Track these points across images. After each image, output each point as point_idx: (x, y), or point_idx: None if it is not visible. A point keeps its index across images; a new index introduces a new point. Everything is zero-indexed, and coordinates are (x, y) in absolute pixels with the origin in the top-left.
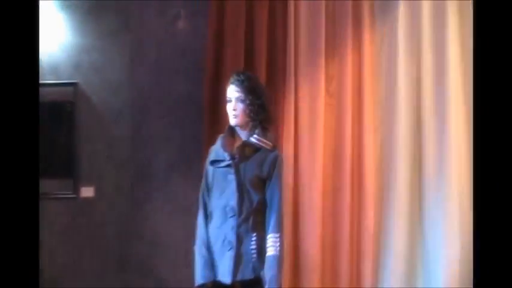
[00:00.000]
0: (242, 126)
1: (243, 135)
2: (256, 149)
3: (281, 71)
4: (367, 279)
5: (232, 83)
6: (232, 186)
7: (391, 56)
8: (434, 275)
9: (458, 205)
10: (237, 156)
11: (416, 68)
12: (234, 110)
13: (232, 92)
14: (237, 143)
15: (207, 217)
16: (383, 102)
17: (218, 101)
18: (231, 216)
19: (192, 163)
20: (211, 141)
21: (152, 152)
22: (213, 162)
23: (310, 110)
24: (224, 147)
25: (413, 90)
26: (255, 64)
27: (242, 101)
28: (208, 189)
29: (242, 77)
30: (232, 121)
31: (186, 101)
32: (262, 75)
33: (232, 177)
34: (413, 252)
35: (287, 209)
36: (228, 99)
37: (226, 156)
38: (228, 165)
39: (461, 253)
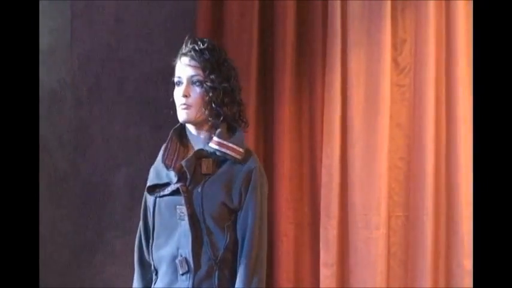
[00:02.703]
0: (198, 124)
1: (197, 140)
2: (219, 161)
3: (317, 29)
4: None
5: (184, 55)
6: (184, 225)
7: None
8: None
9: None
10: (188, 175)
11: None
12: (186, 96)
13: (184, 68)
14: (189, 153)
15: (146, 276)
16: None
17: None
18: (184, 273)
19: None
20: None
21: (107, 163)
22: (153, 189)
23: (367, 96)
24: (167, 162)
25: None
26: (276, 16)
27: (199, 83)
28: (147, 232)
29: (202, 46)
30: (182, 115)
31: (166, 79)
32: (289, 34)
33: (182, 210)
34: None
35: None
36: (176, 80)
37: (172, 176)
38: (174, 192)
39: None
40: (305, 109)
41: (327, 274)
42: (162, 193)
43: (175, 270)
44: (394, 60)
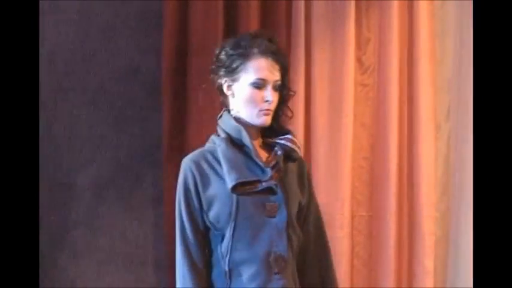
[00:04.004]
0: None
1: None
2: (286, 156)
3: (281, 28)
4: None
5: (264, 54)
6: (275, 222)
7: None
8: None
9: None
10: (281, 172)
11: None
12: (267, 101)
13: (269, 70)
14: (264, 150)
15: (201, 282)
16: (450, 81)
17: (183, 79)
18: (277, 273)
19: (141, 181)
20: (176, 143)
21: (73, 162)
22: (239, 187)
23: (331, 95)
24: (258, 155)
25: None
26: (241, 20)
27: (280, 88)
28: (198, 237)
29: (275, 45)
30: (262, 120)
31: (131, 78)
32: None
33: (273, 207)
34: None
35: None
36: (256, 81)
37: (268, 172)
38: (267, 188)
39: None
40: None
41: None
42: (252, 190)
43: (268, 269)
44: (358, 60)
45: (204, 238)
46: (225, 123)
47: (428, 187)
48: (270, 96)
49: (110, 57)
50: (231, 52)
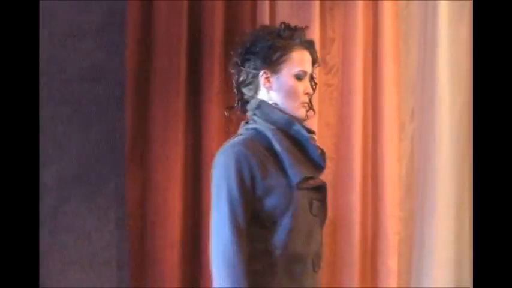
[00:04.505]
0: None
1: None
2: None
3: (246, 29)
4: None
5: (305, 46)
6: (318, 221)
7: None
8: None
9: None
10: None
11: (470, 31)
12: (308, 93)
13: (308, 62)
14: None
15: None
16: (414, 82)
17: (147, 79)
18: (316, 272)
19: (105, 181)
20: (139, 144)
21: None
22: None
23: None
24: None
25: (464, 65)
26: (206, 21)
27: (313, 80)
28: (241, 230)
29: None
30: (303, 112)
31: (95, 78)
32: (217, 34)
33: (319, 205)
34: None
35: None
36: (299, 73)
37: (321, 168)
38: (318, 186)
39: None
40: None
41: None
42: (307, 186)
43: (313, 267)
44: (323, 60)
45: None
46: (271, 114)
47: (393, 187)
48: (309, 88)
49: (75, 57)
50: (270, 43)
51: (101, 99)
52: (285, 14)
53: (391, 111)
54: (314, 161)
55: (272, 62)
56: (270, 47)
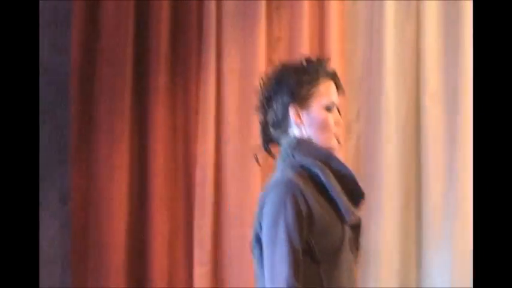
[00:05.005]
0: None
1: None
2: None
3: (192, 29)
4: None
5: (331, 77)
6: (355, 258)
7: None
8: None
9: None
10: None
11: (416, 30)
12: (339, 124)
13: (336, 92)
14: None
15: None
16: (360, 81)
17: (92, 79)
18: None
19: (50, 179)
20: (83, 143)
21: None
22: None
23: (242, 94)
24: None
25: (410, 64)
26: (152, 20)
27: (337, 111)
28: (319, 261)
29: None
30: (335, 143)
31: (40, 77)
32: (163, 35)
33: (355, 242)
34: None
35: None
36: (329, 105)
37: (361, 204)
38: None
39: None
40: (180, 107)
41: (201, 273)
42: (350, 223)
43: None
44: (269, 58)
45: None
46: (312, 150)
47: None
48: (340, 119)
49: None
50: (297, 79)
51: (46, 98)
52: (231, 14)
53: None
54: (355, 194)
55: (301, 97)
56: (297, 82)
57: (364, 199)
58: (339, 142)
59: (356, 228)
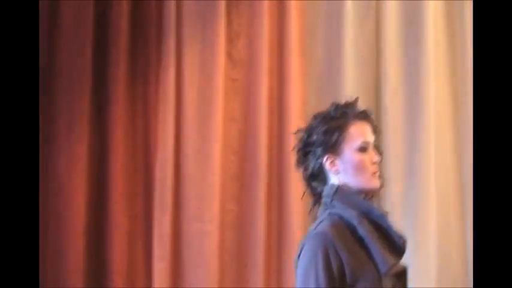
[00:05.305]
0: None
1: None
2: None
3: (152, 24)
4: None
5: (359, 117)
6: None
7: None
8: None
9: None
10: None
11: (375, 28)
12: (375, 162)
13: (368, 131)
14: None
15: None
16: (321, 76)
17: (52, 74)
18: None
19: None
20: (43, 140)
21: None
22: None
23: (201, 90)
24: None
25: (370, 61)
26: (112, 19)
27: (376, 149)
28: None
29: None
30: (376, 183)
31: None
32: (123, 36)
33: None
34: None
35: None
36: (362, 146)
37: (402, 253)
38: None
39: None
40: (139, 104)
41: (161, 268)
42: (391, 273)
43: None
44: (229, 55)
45: None
46: (351, 199)
47: (297, 183)
48: (377, 156)
49: None
50: (325, 128)
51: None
52: (191, 10)
53: (296, 107)
54: (395, 246)
55: (332, 145)
56: (326, 131)
57: (405, 250)
58: (379, 181)
59: (401, 276)
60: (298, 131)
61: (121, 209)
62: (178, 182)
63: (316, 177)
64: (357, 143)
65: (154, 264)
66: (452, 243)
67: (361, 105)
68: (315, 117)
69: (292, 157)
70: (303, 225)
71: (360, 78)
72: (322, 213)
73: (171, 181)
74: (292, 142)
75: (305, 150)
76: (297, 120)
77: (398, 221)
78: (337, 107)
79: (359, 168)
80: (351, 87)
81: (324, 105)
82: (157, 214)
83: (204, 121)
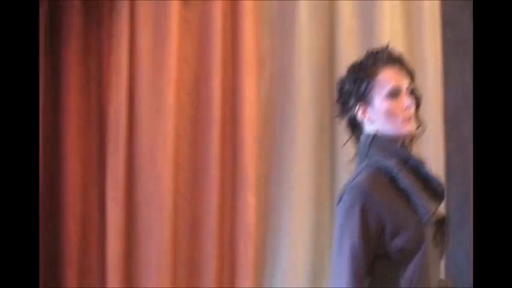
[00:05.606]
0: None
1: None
2: None
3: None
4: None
5: (389, 63)
6: (441, 252)
7: None
8: None
9: None
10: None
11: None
12: (407, 107)
13: (399, 76)
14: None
15: None
16: (275, 17)
17: None
18: None
19: None
20: None
21: None
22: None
23: (155, 32)
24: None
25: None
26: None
27: (411, 93)
28: (397, 264)
29: (395, 52)
30: (408, 128)
31: None
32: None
33: (440, 238)
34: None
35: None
36: (390, 91)
37: (441, 199)
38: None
39: None
40: (93, 48)
41: (115, 211)
42: (431, 220)
43: None
44: (182, 17)
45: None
46: (386, 147)
47: (251, 124)
48: (408, 101)
49: None
50: (355, 77)
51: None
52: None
53: (250, 49)
54: (435, 192)
55: (362, 93)
56: (356, 80)
57: (444, 197)
58: (413, 126)
59: (441, 223)
60: (337, 82)
61: (74, 154)
62: (132, 124)
63: (354, 128)
64: (386, 89)
65: (108, 208)
66: None
67: (394, 50)
68: (349, 67)
69: (246, 97)
70: (257, 165)
71: (313, 19)
72: (359, 164)
73: (124, 124)
74: (246, 85)
75: (341, 101)
76: (251, 63)
77: None
78: (369, 54)
79: (389, 115)
80: (304, 29)
81: (278, 46)
82: (110, 157)
83: (158, 62)
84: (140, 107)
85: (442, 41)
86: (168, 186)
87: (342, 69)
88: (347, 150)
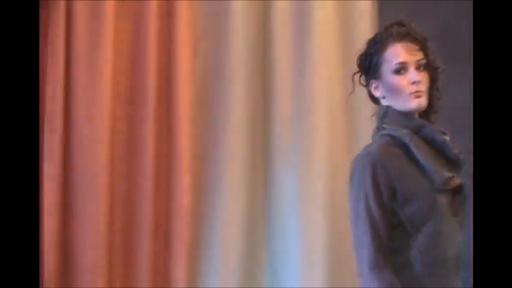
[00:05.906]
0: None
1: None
2: None
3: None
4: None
5: (397, 38)
6: (460, 221)
7: None
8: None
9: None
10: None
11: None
12: (414, 82)
13: (407, 52)
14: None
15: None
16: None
17: None
18: (458, 273)
19: None
20: None
21: None
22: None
23: (92, 12)
24: (451, 149)
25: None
26: None
27: (424, 67)
28: (411, 232)
29: (408, 27)
30: (415, 103)
31: None
32: None
33: (458, 206)
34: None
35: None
36: (396, 67)
37: (459, 168)
38: (457, 186)
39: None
40: None
41: (51, 187)
42: (448, 188)
43: (455, 269)
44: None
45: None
46: (399, 118)
47: (185, 103)
48: (415, 76)
49: None
50: (368, 52)
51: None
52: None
53: (185, 28)
54: (451, 160)
55: (372, 69)
56: (366, 56)
57: (462, 165)
58: (420, 100)
59: (458, 192)
60: (357, 57)
61: None
62: (69, 103)
63: (374, 102)
64: (392, 64)
65: (45, 183)
66: None
67: (407, 24)
68: (367, 41)
69: (180, 78)
70: (190, 145)
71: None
72: (375, 136)
73: (60, 99)
74: (181, 63)
75: (359, 75)
76: (186, 41)
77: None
78: (383, 29)
79: (395, 90)
80: (240, 5)
81: (213, 23)
82: (47, 134)
83: (94, 42)
84: (77, 87)
85: None
86: (104, 165)
87: (275, 49)
88: (280, 130)
